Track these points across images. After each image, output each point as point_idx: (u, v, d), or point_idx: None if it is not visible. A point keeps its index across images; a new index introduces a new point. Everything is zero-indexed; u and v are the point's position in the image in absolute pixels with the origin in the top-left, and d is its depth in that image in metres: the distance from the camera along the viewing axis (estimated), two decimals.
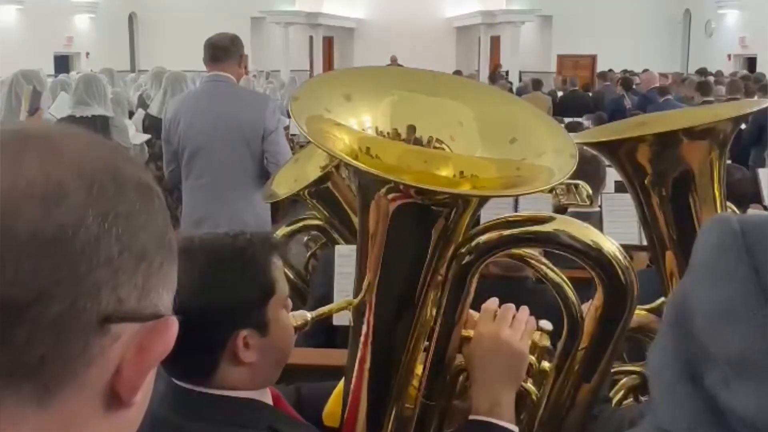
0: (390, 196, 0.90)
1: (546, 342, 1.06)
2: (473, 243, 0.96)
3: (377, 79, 1.05)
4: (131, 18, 17.18)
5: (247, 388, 0.99)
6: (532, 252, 1.06)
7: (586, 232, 0.97)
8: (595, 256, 0.96)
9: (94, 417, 0.41)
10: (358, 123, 0.98)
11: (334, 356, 1.56)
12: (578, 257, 0.97)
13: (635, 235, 2.58)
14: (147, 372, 0.43)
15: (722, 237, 0.51)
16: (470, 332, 1.05)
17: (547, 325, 1.06)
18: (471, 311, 1.05)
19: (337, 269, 1.71)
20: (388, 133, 1.00)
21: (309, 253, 2.07)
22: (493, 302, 1.06)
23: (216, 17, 13.73)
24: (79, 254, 0.38)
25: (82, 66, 13.70)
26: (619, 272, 0.97)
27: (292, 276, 2.00)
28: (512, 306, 1.05)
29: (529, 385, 1.06)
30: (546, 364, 1.06)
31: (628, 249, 2.86)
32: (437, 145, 1.00)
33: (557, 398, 1.06)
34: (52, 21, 14.27)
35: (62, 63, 14.06)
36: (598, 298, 1.00)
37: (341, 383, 1.15)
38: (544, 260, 1.06)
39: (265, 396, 1.03)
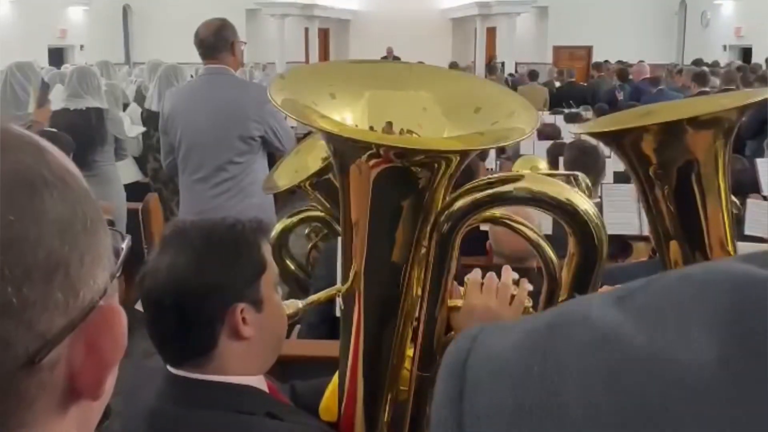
0: (371, 162, 0.91)
1: (528, 303, 1.10)
2: (449, 210, 0.98)
3: (359, 75, 1.06)
4: (125, 10, 17.07)
5: (244, 370, 1.01)
6: (506, 212, 1.08)
7: (557, 189, 1.00)
8: (566, 210, 0.99)
9: (60, 419, 0.38)
10: (341, 120, 1.00)
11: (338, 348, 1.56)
12: (550, 210, 1.00)
13: (635, 225, 2.59)
14: (109, 366, 0.39)
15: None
16: (457, 302, 1.08)
17: (528, 286, 1.10)
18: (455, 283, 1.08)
19: (339, 260, 1.71)
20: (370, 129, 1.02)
21: (310, 245, 2.06)
22: (476, 273, 1.10)
23: (210, 9, 13.62)
24: None
25: (76, 59, 13.60)
26: (587, 221, 0.99)
27: (293, 267, 2.00)
28: (494, 274, 1.08)
29: None
30: None
31: (627, 239, 2.89)
32: (408, 135, 1.02)
33: None
34: (45, 13, 14.17)
35: (56, 56, 13.96)
36: (573, 246, 1.03)
37: (335, 377, 1.16)
38: (520, 219, 1.08)
39: (262, 385, 1.04)
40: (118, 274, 0.40)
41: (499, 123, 1.00)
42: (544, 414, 0.24)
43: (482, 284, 1.09)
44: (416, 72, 1.10)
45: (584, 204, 1.00)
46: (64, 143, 2.97)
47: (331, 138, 0.98)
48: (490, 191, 0.99)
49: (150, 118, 4.34)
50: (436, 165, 0.93)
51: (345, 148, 0.96)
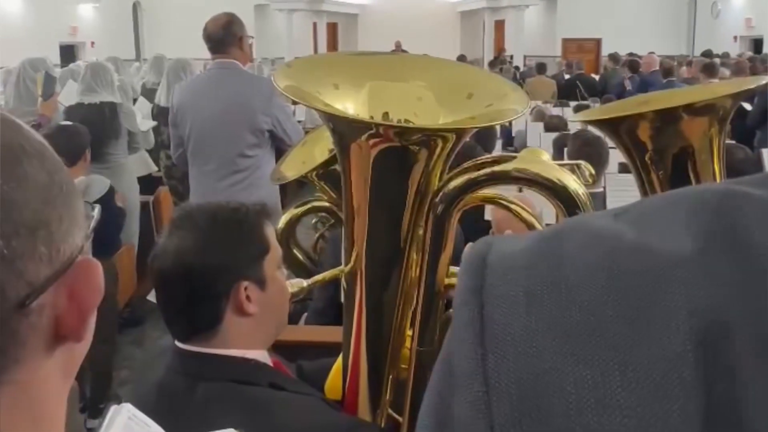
0: (371, 141, 0.94)
1: None
2: (444, 190, 1.01)
3: (361, 66, 1.09)
4: (135, 7, 17.15)
5: (248, 345, 1.06)
6: (502, 193, 1.12)
7: (548, 169, 1.03)
8: (555, 189, 1.01)
9: (45, 362, 0.42)
10: (343, 109, 1.03)
11: None
12: (540, 189, 1.03)
13: None
14: (89, 312, 0.43)
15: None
16: (453, 280, 1.11)
17: None
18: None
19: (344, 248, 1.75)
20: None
21: (317, 235, 2.10)
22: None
23: (219, 4, 13.66)
24: None
25: (87, 55, 13.70)
26: (577, 201, 1.02)
27: (301, 257, 2.04)
28: None
29: None
30: None
31: None
32: (402, 125, 1.06)
33: None
34: (56, 11, 14.28)
35: (67, 52, 14.07)
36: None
37: (340, 358, 1.20)
38: (514, 200, 1.11)
39: (265, 359, 1.09)
40: (90, 234, 0.46)
41: (492, 106, 1.04)
42: (554, 297, 0.29)
43: None
44: (412, 62, 1.13)
45: (572, 183, 1.03)
46: (83, 135, 3.03)
47: (332, 119, 1.02)
48: (483, 171, 1.02)
49: (160, 114, 4.39)
50: (432, 145, 0.96)
51: (345, 130, 1.00)
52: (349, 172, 1.01)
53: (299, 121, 5.65)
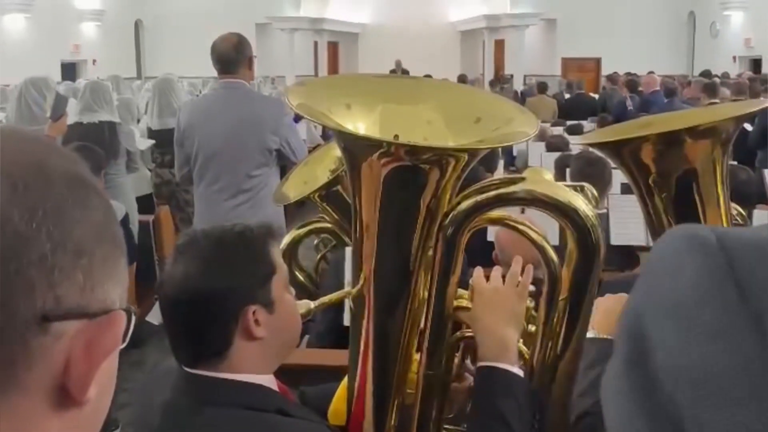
0: (382, 161, 0.95)
1: (530, 303, 1.15)
2: (453, 213, 1.02)
3: (372, 89, 1.10)
4: (137, 25, 17.30)
5: (257, 369, 1.04)
6: (510, 214, 1.12)
7: (557, 190, 1.04)
8: (564, 210, 1.03)
9: (43, 417, 0.40)
10: (354, 129, 1.04)
11: (347, 357, 1.58)
12: (549, 210, 1.04)
13: (642, 235, 2.60)
14: (96, 368, 0.42)
15: (700, 266, 0.34)
16: (463, 302, 1.12)
17: (529, 286, 1.15)
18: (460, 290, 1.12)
19: (347, 270, 1.74)
20: None
21: (319, 256, 2.09)
22: (480, 269, 1.15)
23: (221, 23, 13.76)
24: (7, 254, 0.37)
25: (89, 73, 13.79)
26: (585, 222, 1.03)
27: (302, 278, 2.02)
28: (500, 268, 1.15)
29: (521, 345, 1.13)
30: (532, 327, 1.14)
31: (635, 249, 2.88)
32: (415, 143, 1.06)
33: (546, 355, 1.12)
34: (59, 29, 14.39)
35: (69, 70, 14.16)
36: (572, 245, 1.07)
37: (344, 382, 1.19)
38: (524, 221, 1.11)
39: (272, 384, 1.08)
40: (126, 316, 0.44)
41: (499, 129, 1.04)
42: None
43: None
44: (423, 86, 1.14)
45: (582, 205, 1.03)
46: (96, 157, 3.04)
47: (343, 137, 1.02)
48: (493, 192, 1.03)
49: (151, 136, 4.40)
50: (443, 165, 0.96)
51: (357, 148, 1.00)
52: (360, 192, 1.01)
53: (302, 140, 5.67)
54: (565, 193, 1.05)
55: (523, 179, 1.06)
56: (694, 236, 0.35)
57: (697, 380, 0.32)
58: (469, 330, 1.14)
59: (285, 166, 2.90)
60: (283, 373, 1.15)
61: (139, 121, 5.11)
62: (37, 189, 0.39)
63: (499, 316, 1.10)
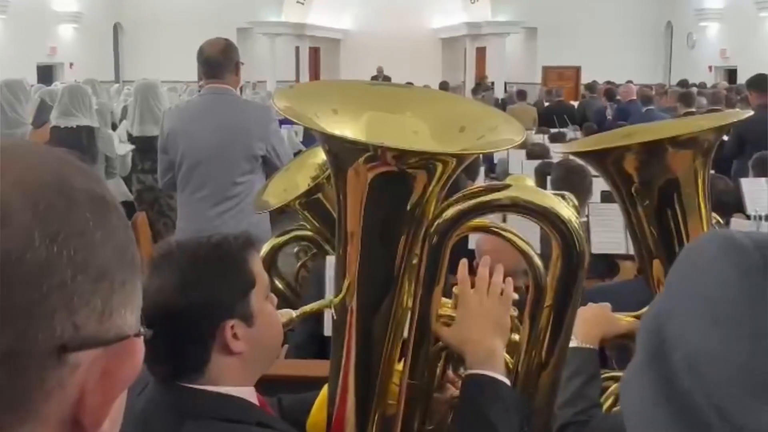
0: (368, 165, 0.94)
1: (513, 312, 1.14)
2: (438, 220, 1.01)
3: (359, 95, 1.10)
4: (116, 28, 17.13)
5: (237, 382, 1.02)
6: (495, 222, 1.11)
7: (543, 197, 1.04)
8: (550, 217, 1.02)
9: None
10: (341, 134, 1.03)
11: (327, 368, 1.56)
12: (535, 218, 1.04)
13: (622, 244, 2.61)
14: (113, 400, 0.40)
15: (737, 264, 0.37)
16: (446, 311, 1.11)
17: (512, 295, 1.15)
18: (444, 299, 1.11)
19: (328, 279, 1.72)
20: None
21: (299, 264, 2.07)
22: (463, 265, 1.14)
23: (202, 28, 13.70)
24: (27, 281, 0.35)
25: (66, 76, 13.61)
26: (569, 228, 1.03)
27: (282, 287, 2.00)
28: (485, 271, 1.14)
29: (505, 355, 1.13)
30: (516, 336, 1.14)
31: (616, 258, 2.90)
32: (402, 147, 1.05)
33: (530, 363, 1.12)
34: (35, 31, 14.19)
35: (46, 73, 13.96)
36: (556, 252, 1.06)
37: (324, 391, 1.17)
38: (508, 227, 1.11)
39: (252, 397, 1.06)
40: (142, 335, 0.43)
41: (484, 137, 1.04)
42: None
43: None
44: (409, 95, 1.13)
45: (566, 211, 1.03)
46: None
47: (329, 140, 1.00)
48: (478, 199, 1.03)
49: (132, 141, 4.33)
50: (430, 171, 0.95)
51: (343, 152, 0.98)
52: (344, 198, 0.99)
53: None
54: (551, 200, 1.05)
55: (508, 186, 1.06)
56: (730, 238, 0.37)
57: (731, 376, 0.35)
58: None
59: (270, 173, 2.87)
60: (261, 384, 1.12)
61: (115, 126, 5.04)
62: (60, 210, 0.37)
63: (486, 327, 1.09)
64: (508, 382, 1.08)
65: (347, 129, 1.01)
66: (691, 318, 0.39)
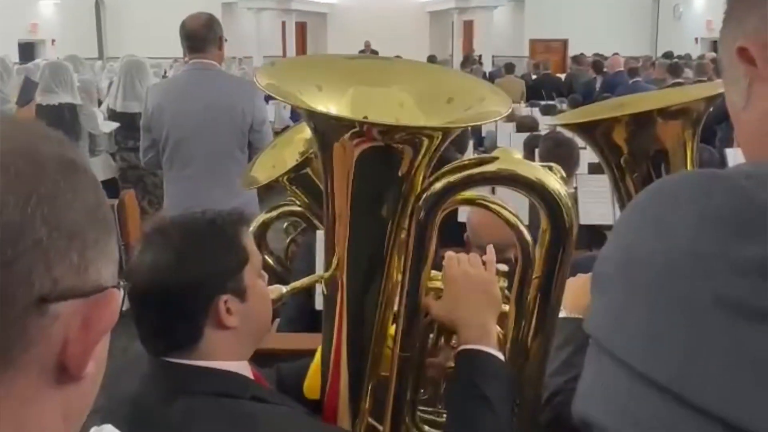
0: (354, 141, 0.93)
1: (503, 283, 1.15)
2: (426, 194, 1.01)
3: (344, 70, 1.08)
4: (98, 4, 16.80)
5: (230, 356, 1.03)
6: (484, 194, 1.11)
7: (531, 169, 1.04)
8: (538, 189, 1.03)
9: (44, 393, 0.42)
10: (325, 110, 1.02)
11: (319, 341, 1.57)
12: (524, 191, 1.04)
13: (609, 215, 2.63)
14: (94, 345, 0.43)
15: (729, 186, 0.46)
16: (436, 283, 1.12)
17: (502, 266, 1.15)
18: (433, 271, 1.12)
19: (318, 254, 1.72)
20: None
21: (289, 239, 2.07)
22: (451, 252, 1.15)
23: (186, 3, 13.46)
24: (2, 241, 0.38)
25: (48, 53, 13.37)
26: (558, 199, 1.03)
27: (272, 262, 2.00)
28: (472, 253, 1.15)
29: (496, 327, 1.14)
30: (506, 307, 1.14)
31: (603, 229, 2.92)
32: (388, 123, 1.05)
33: (520, 334, 1.13)
34: (15, 7, 13.89)
35: (27, 50, 13.73)
36: (545, 224, 1.07)
37: (318, 356, 1.18)
38: (497, 200, 1.11)
39: (246, 371, 1.06)
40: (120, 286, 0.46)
41: (472, 108, 1.04)
42: None
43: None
44: (394, 67, 1.12)
45: (554, 183, 1.03)
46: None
47: (314, 118, 0.99)
48: (466, 172, 1.02)
49: (112, 118, 4.27)
50: (416, 145, 0.95)
51: (328, 129, 0.98)
52: (331, 175, 0.99)
53: (269, 122, 5.59)
54: (539, 172, 1.05)
55: (496, 159, 1.06)
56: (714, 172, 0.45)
57: None
58: None
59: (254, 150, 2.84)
60: (254, 357, 1.13)
61: (100, 103, 4.97)
62: (30, 175, 0.40)
63: (475, 301, 1.10)
64: (501, 356, 1.09)
65: (332, 104, 1.00)
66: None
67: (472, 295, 1.10)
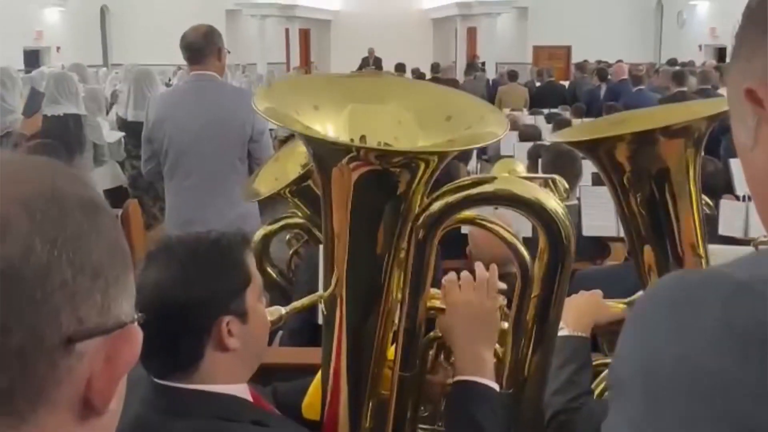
0: (352, 165, 0.94)
1: (502, 302, 1.14)
2: (424, 215, 1.01)
3: (341, 89, 1.09)
4: (103, 11, 16.89)
5: (229, 379, 1.02)
6: (482, 214, 1.11)
7: (526, 188, 1.05)
8: (536, 209, 1.03)
9: (71, 429, 0.43)
10: (323, 130, 1.03)
11: (320, 355, 1.57)
12: (522, 210, 1.04)
13: (613, 226, 2.62)
14: (118, 380, 0.45)
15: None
16: (435, 303, 1.11)
17: (501, 285, 1.15)
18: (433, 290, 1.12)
19: (321, 269, 1.72)
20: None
21: (291, 252, 2.07)
22: (452, 274, 1.15)
23: (190, 10, 13.53)
24: (32, 283, 0.40)
25: (53, 61, 13.43)
26: (555, 218, 1.03)
27: (274, 275, 2.00)
28: (469, 274, 1.13)
29: (496, 345, 1.14)
30: (505, 324, 1.14)
31: (606, 240, 2.91)
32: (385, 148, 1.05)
33: (519, 352, 1.13)
34: (20, 14, 13.96)
35: (32, 58, 13.78)
36: (543, 243, 1.07)
37: (318, 376, 1.18)
38: (495, 220, 1.11)
39: (246, 394, 1.06)
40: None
41: (471, 128, 1.04)
42: None
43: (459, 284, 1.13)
44: (393, 85, 1.13)
45: (551, 202, 1.03)
46: (58, 154, 2.95)
47: (311, 142, 1.00)
48: (463, 193, 1.03)
49: (124, 127, 4.28)
50: (414, 168, 0.95)
51: (326, 153, 0.98)
52: (330, 196, 0.99)
53: (271, 130, 5.59)
54: (537, 191, 1.05)
55: (493, 179, 1.06)
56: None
57: None
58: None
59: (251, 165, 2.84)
60: (256, 372, 1.13)
61: (107, 111, 4.99)
62: (56, 218, 0.41)
63: (474, 332, 1.09)
64: (496, 386, 1.09)
65: (330, 124, 1.00)
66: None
67: (472, 326, 1.10)
